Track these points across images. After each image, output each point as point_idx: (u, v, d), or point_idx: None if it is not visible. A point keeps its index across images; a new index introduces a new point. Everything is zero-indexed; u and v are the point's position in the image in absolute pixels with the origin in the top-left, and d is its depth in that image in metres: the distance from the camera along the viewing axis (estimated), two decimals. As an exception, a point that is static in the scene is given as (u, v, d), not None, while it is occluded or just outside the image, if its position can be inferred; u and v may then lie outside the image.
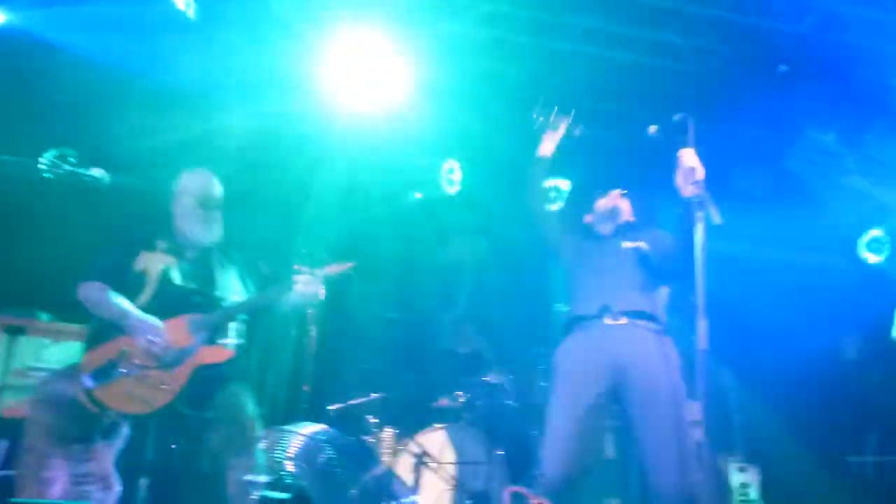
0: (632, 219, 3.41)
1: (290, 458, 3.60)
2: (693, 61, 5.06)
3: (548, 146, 3.49)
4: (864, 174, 5.89)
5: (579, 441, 2.95)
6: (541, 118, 3.49)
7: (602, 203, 3.41)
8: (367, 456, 4.01)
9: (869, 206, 6.29)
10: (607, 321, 3.09)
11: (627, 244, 3.27)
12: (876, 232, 6.53)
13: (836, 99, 4.94)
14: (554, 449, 2.98)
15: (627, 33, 4.85)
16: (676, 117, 3.06)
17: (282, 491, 2.81)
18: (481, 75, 5.22)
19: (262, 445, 3.21)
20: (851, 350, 6.56)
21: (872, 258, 6.56)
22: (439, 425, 4.82)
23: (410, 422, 4.92)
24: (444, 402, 5.21)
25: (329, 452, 3.70)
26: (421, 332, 5.99)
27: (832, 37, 4.70)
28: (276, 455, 3.54)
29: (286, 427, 3.86)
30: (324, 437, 3.80)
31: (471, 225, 6.37)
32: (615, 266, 3.20)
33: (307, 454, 3.68)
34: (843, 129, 5.39)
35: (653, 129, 3.23)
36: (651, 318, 3.12)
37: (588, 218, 3.48)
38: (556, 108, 3.49)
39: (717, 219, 2.81)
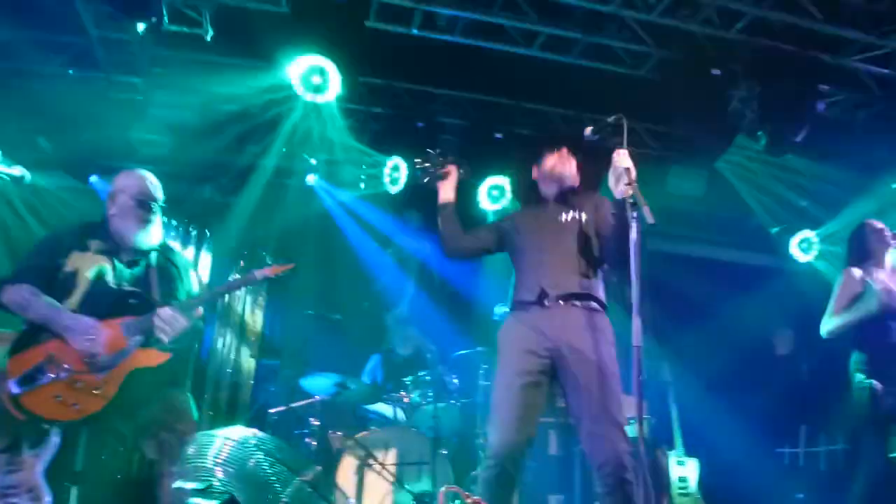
0: (576, 184, 3.40)
1: (219, 464, 3.53)
2: (629, 64, 5.17)
3: (447, 192, 3.41)
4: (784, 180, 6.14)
5: (521, 414, 3.04)
6: (426, 173, 3.39)
7: (550, 160, 3.39)
8: (301, 460, 3.95)
9: (796, 208, 6.56)
10: (546, 304, 3.15)
11: (567, 217, 3.30)
12: (807, 233, 6.83)
13: (764, 104, 5.09)
14: (498, 421, 3.07)
15: (565, 36, 4.91)
16: (611, 119, 3.11)
17: (211, 498, 2.74)
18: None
19: (190, 451, 3.13)
20: (782, 346, 6.79)
21: (802, 257, 6.85)
22: (382, 427, 4.81)
23: (353, 423, 4.90)
24: (386, 403, 5.19)
25: (260, 457, 3.63)
26: (364, 332, 5.97)
27: (762, 43, 4.86)
28: (204, 461, 3.46)
29: (216, 432, 3.77)
30: (254, 442, 3.72)
31: (414, 225, 6.39)
32: (554, 245, 3.23)
33: (237, 459, 3.61)
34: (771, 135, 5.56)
35: (588, 130, 3.29)
36: (588, 297, 3.19)
37: (535, 172, 3.45)
38: (436, 153, 3.39)
39: (650, 218, 2.84)
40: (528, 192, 3.52)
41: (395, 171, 5.97)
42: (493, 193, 6.29)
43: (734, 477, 5.86)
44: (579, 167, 3.42)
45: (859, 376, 3.91)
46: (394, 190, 5.96)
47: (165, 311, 3.07)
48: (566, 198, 3.38)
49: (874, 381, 3.85)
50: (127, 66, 4.85)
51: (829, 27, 4.74)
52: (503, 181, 6.06)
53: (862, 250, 4.12)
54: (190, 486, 3.10)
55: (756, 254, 7.11)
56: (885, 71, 5.10)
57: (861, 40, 4.88)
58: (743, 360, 6.62)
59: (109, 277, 3.19)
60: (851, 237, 4.23)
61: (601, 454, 2.95)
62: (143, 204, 3.28)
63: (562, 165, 3.38)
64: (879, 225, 4.14)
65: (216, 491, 3.13)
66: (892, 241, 4.09)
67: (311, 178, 5.97)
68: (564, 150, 3.40)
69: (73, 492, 3.00)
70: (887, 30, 4.78)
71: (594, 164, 3.39)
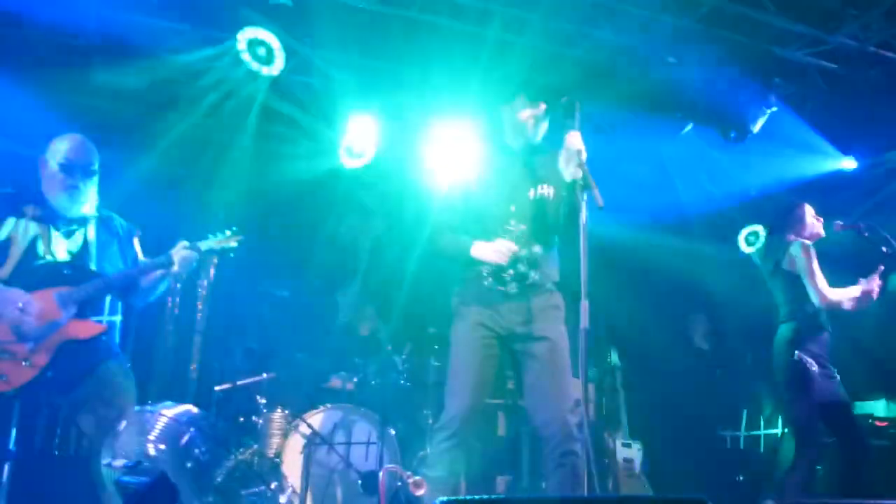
0: (538, 139, 3.32)
1: (151, 441, 3.45)
2: (583, 47, 5.17)
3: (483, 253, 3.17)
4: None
5: (480, 380, 3.11)
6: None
7: (527, 111, 3.26)
8: (238, 438, 3.89)
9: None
10: (504, 278, 3.14)
11: (534, 191, 3.24)
12: (756, 227, 7.05)
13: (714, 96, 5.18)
14: (458, 386, 3.12)
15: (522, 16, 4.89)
16: (564, 100, 3.10)
17: (140, 475, 2.68)
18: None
19: (121, 427, 3.06)
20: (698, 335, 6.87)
21: (747, 249, 7.06)
22: (331, 405, 4.78)
23: (301, 402, 4.85)
24: (336, 382, 5.16)
25: (194, 434, 3.55)
26: (313, 310, 5.90)
27: (716, 32, 4.91)
28: (136, 437, 3.38)
29: (149, 408, 3.68)
30: (189, 419, 3.64)
31: (367, 204, 6.32)
32: (516, 217, 3.19)
33: (170, 436, 3.53)
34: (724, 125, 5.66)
35: (543, 107, 3.26)
36: (545, 274, 3.20)
37: (507, 112, 3.33)
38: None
39: (599, 201, 2.85)
40: (493, 134, 3.44)
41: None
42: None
43: (678, 459, 6.00)
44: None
45: (799, 355, 4.01)
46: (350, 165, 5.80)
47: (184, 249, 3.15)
48: (533, 159, 3.31)
49: (810, 361, 3.97)
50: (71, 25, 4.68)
51: (780, 20, 4.81)
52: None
53: (800, 227, 4.21)
54: (119, 462, 3.01)
55: (705, 242, 7.25)
56: (832, 65, 5.21)
57: (809, 35, 4.97)
58: (687, 346, 6.76)
59: (44, 246, 3.09)
60: (789, 214, 4.31)
61: (551, 424, 3.01)
62: (68, 168, 3.15)
63: (536, 122, 3.28)
64: (812, 211, 4.27)
65: (146, 468, 3.05)
66: (822, 231, 4.22)
67: None
68: (542, 106, 3.28)
69: (6, 468, 2.89)
70: (834, 26, 4.88)
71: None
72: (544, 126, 3.33)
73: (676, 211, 6.73)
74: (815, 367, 3.95)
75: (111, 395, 3.06)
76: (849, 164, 6.16)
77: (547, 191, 3.24)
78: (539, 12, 4.77)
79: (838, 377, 4.03)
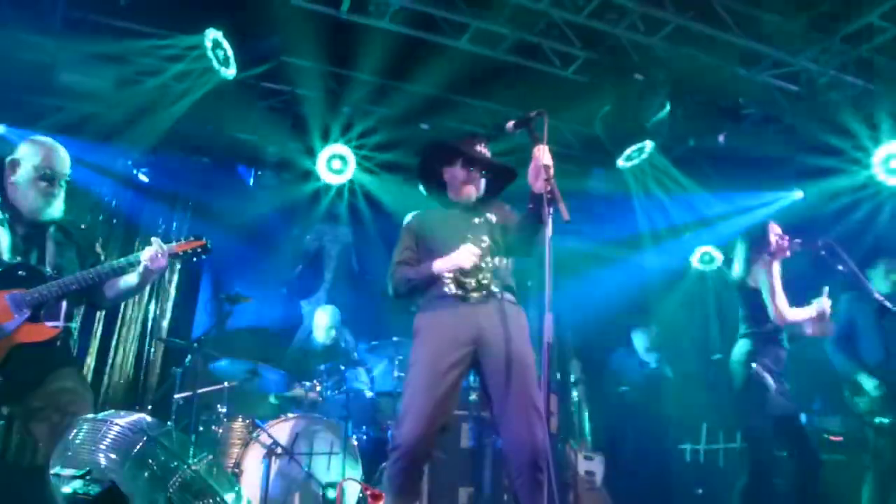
0: (475, 198, 3.40)
1: (101, 450, 3.36)
2: (557, 64, 5.23)
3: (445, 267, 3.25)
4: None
5: (439, 404, 3.04)
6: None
7: (461, 175, 3.37)
8: (192, 448, 3.81)
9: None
10: (466, 297, 3.16)
11: (478, 219, 3.32)
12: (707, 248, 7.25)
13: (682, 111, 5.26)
14: (414, 411, 3.04)
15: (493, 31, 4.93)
16: (533, 113, 3.12)
17: (90, 484, 2.61)
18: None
19: (71, 435, 2.99)
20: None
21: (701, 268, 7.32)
22: (292, 415, 4.73)
23: (263, 411, 4.79)
24: (298, 391, 5.11)
25: (147, 443, 3.47)
26: (277, 318, 5.85)
27: (683, 51, 5.00)
28: (86, 446, 3.29)
29: (101, 415, 3.59)
30: (142, 427, 3.56)
31: (335, 213, 6.30)
32: (470, 240, 3.22)
33: (122, 446, 3.43)
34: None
35: (511, 124, 3.30)
36: (504, 290, 3.23)
37: (446, 175, 3.44)
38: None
39: (565, 215, 2.87)
40: (436, 192, 3.52)
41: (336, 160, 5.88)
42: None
43: (638, 472, 6.05)
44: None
45: (754, 369, 4.08)
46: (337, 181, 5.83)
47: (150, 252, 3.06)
48: (474, 206, 3.42)
49: (766, 375, 4.05)
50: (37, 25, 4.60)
51: (745, 40, 4.91)
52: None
53: (765, 245, 4.28)
54: (68, 472, 2.93)
55: (667, 258, 7.37)
56: (794, 87, 5.33)
57: (773, 56, 5.09)
58: (649, 361, 6.83)
59: (0, 247, 3.01)
60: (754, 236, 4.39)
61: (520, 437, 2.99)
62: (48, 177, 3.11)
63: (470, 186, 3.40)
64: (779, 230, 4.33)
65: (96, 477, 2.97)
66: (788, 251, 4.29)
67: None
68: (476, 172, 3.40)
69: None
70: (798, 48, 5.01)
71: (499, 180, 3.46)
72: (477, 189, 3.42)
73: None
74: (769, 381, 4.02)
75: (66, 403, 2.98)
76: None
77: (496, 215, 3.35)
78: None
79: (789, 393, 4.11)
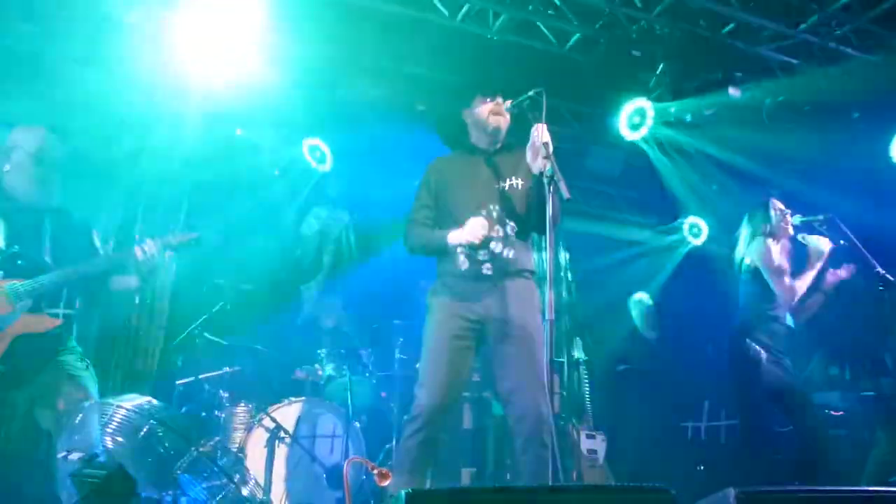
0: (502, 133, 3.33)
1: (108, 434, 3.38)
2: (553, 42, 5.17)
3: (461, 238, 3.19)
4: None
5: (452, 374, 3.10)
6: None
7: (486, 107, 3.30)
8: (198, 430, 3.83)
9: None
10: (479, 270, 3.16)
11: (504, 184, 3.26)
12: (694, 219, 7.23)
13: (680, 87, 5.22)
14: (429, 381, 3.10)
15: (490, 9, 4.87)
16: (531, 92, 3.10)
17: (97, 468, 2.62)
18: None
19: (78, 420, 3.00)
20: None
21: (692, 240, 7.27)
22: (295, 399, 4.73)
23: (265, 395, 4.80)
24: (300, 375, 5.11)
25: (152, 426, 3.49)
26: (278, 303, 5.83)
27: (679, 25, 4.95)
28: (93, 430, 3.31)
29: (107, 400, 3.61)
30: (148, 411, 3.57)
31: (331, 197, 6.27)
32: (489, 210, 3.21)
33: (128, 429, 3.46)
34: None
35: (508, 103, 3.27)
36: (520, 264, 3.22)
37: (467, 115, 3.39)
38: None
39: (566, 193, 2.86)
40: (457, 136, 3.46)
41: (316, 150, 5.84)
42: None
43: (640, 450, 6.07)
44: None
45: (749, 343, 4.09)
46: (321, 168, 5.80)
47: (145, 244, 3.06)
48: (501, 156, 3.34)
49: (760, 350, 4.05)
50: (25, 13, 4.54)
51: (743, 14, 4.86)
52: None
53: (766, 222, 4.27)
54: (75, 455, 2.94)
55: (667, 235, 7.36)
56: (794, 60, 5.28)
57: (772, 29, 5.04)
58: (650, 337, 6.83)
59: (-2, 236, 3.00)
60: (756, 213, 4.37)
61: (523, 408, 3.02)
62: (42, 162, 3.09)
63: (499, 116, 3.31)
64: (781, 205, 4.32)
65: (104, 461, 2.99)
66: (791, 229, 4.27)
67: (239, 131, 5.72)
68: (500, 100, 3.31)
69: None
70: (797, 20, 4.95)
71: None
72: (506, 120, 3.33)
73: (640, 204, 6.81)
74: (763, 355, 4.03)
75: (70, 390, 2.99)
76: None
77: (515, 182, 3.27)
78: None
79: (790, 366, 4.10)
